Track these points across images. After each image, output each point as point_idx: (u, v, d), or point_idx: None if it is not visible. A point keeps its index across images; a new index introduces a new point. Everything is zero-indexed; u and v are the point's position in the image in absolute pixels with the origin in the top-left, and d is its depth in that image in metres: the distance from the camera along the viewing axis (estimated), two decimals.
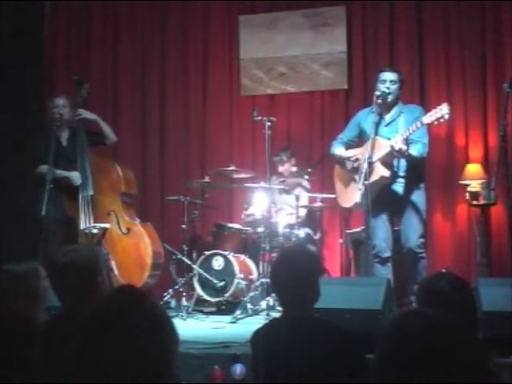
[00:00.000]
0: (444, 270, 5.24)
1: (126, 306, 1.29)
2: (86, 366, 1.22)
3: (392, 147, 4.69)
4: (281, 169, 6.38)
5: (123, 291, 1.36)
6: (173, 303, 5.72)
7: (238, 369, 3.64)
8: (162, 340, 1.27)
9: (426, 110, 5.03)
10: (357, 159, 5.00)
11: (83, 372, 1.21)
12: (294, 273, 2.49)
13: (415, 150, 4.83)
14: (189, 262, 5.75)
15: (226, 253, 5.76)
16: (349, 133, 5.26)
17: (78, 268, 2.55)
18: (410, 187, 4.93)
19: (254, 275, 5.80)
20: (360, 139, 5.20)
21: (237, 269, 5.65)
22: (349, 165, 5.11)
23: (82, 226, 5.36)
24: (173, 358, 1.29)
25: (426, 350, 1.10)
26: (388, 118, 5.00)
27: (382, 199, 4.84)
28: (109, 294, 1.36)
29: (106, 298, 1.33)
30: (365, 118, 5.12)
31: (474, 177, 6.16)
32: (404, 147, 4.69)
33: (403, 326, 1.17)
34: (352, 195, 4.97)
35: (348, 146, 5.23)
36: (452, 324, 1.16)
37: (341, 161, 5.21)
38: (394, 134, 4.83)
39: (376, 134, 4.84)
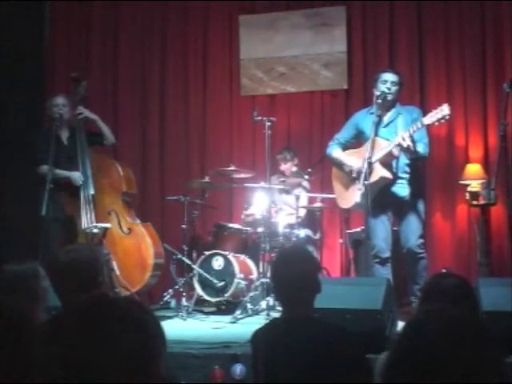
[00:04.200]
0: (444, 270, 5.27)
1: (108, 307, 1.28)
2: (71, 366, 1.22)
3: (400, 144, 4.68)
4: (283, 167, 6.38)
5: (102, 298, 1.36)
6: (173, 303, 5.71)
7: (238, 369, 3.64)
8: (147, 340, 1.26)
9: (426, 109, 5.04)
10: (352, 171, 5.00)
11: (68, 372, 1.21)
12: (293, 273, 2.49)
13: (420, 148, 4.83)
14: (189, 262, 5.75)
15: (226, 253, 5.76)
16: (346, 134, 5.24)
17: (78, 267, 2.55)
18: (409, 188, 4.93)
19: (254, 275, 5.80)
20: (357, 140, 5.20)
21: (237, 269, 5.65)
22: (346, 167, 5.10)
23: (83, 225, 5.35)
24: (159, 357, 1.29)
25: (443, 349, 1.09)
26: (386, 119, 5.00)
27: (382, 200, 4.84)
28: (92, 296, 1.36)
29: (88, 300, 1.33)
30: (363, 119, 5.11)
31: (474, 177, 6.16)
32: (411, 143, 4.69)
33: (420, 324, 1.16)
34: (351, 196, 4.97)
35: (345, 147, 5.22)
36: (471, 322, 1.15)
37: (338, 163, 5.20)
38: (393, 135, 4.83)
39: (375, 134, 4.84)
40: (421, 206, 5.00)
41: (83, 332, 1.24)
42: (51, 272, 2.66)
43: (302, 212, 6.23)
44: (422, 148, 4.85)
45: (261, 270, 5.64)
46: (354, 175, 4.99)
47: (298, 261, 2.56)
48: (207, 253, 5.82)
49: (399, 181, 4.93)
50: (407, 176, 4.94)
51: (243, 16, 7.09)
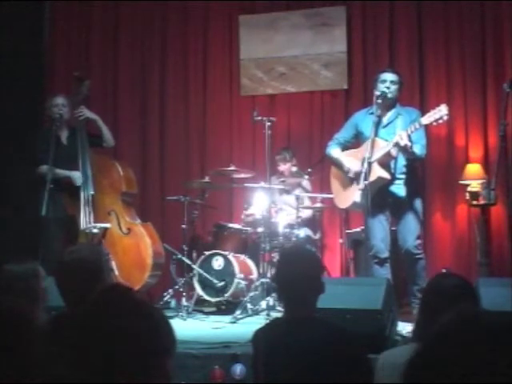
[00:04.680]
0: (444, 270, 5.26)
1: (118, 305, 1.28)
2: (80, 364, 1.22)
3: (397, 143, 4.68)
4: (282, 167, 6.37)
5: (116, 290, 1.36)
6: (173, 303, 5.71)
7: (238, 369, 3.64)
8: (157, 339, 1.26)
9: (426, 110, 5.04)
10: (350, 172, 5.00)
11: (76, 371, 1.21)
12: (296, 273, 2.49)
13: (417, 149, 4.84)
14: (189, 262, 5.75)
15: (226, 253, 5.76)
16: (345, 134, 5.24)
17: (82, 267, 2.55)
18: (406, 188, 4.93)
19: (254, 275, 5.80)
20: (356, 140, 5.19)
21: (237, 269, 5.65)
22: (345, 168, 5.10)
23: (83, 225, 5.35)
24: (168, 357, 1.28)
25: (474, 352, 1.07)
26: (386, 119, 5.00)
27: (380, 200, 4.84)
28: (101, 293, 1.36)
29: (97, 297, 1.33)
30: (362, 120, 5.11)
31: (474, 177, 6.16)
32: (409, 143, 4.69)
33: (453, 325, 1.15)
34: (349, 196, 4.97)
35: (344, 147, 5.22)
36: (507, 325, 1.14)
37: (337, 163, 5.20)
38: (392, 135, 4.83)
39: (375, 134, 4.84)
40: (419, 206, 5.00)
41: (92, 329, 1.23)
42: (56, 271, 2.66)
43: (306, 212, 6.23)
44: (418, 149, 4.84)
45: (261, 270, 5.64)
46: (351, 175, 5.00)
47: (302, 261, 2.56)
48: (207, 253, 5.82)
49: (397, 181, 4.93)
50: (405, 177, 4.94)
51: (243, 16, 7.09)
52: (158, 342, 1.26)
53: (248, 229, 6.02)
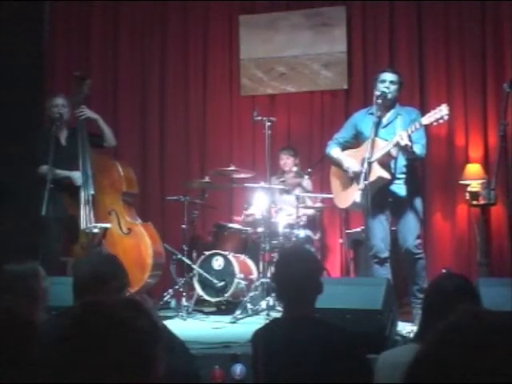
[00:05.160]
0: (444, 270, 5.27)
1: (98, 313, 1.27)
2: (80, 365, 1.21)
3: (398, 143, 4.68)
4: (284, 161, 6.35)
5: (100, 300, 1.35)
6: (173, 303, 5.72)
7: (238, 369, 3.64)
8: (139, 341, 1.25)
9: (426, 110, 5.04)
10: (349, 171, 5.01)
11: (77, 371, 1.20)
12: (295, 273, 2.49)
13: (417, 149, 4.84)
14: (189, 262, 5.76)
15: (226, 253, 5.76)
16: (345, 133, 5.24)
17: (96, 271, 2.54)
18: (406, 188, 4.93)
19: (254, 275, 5.81)
20: (356, 140, 5.19)
21: (237, 269, 5.65)
22: (344, 167, 5.10)
23: (83, 225, 5.34)
24: (155, 360, 1.27)
25: (480, 354, 1.07)
26: (385, 119, 5.00)
27: (380, 200, 4.84)
28: (84, 302, 1.34)
29: (79, 307, 1.31)
30: (362, 120, 5.11)
31: (474, 177, 6.17)
32: (409, 143, 4.68)
33: (459, 326, 1.14)
34: (349, 196, 4.97)
35: (344, 147, 5.21)
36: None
37: (337, 162, 5.20)
38: (392, 135, 4.82)
39: (375, 135, 4.84)
40: (419, 205, 5.00)
41: (71, 340, 1.22)
42: (76, 280, 2.63)
43: (306, 212, 6.23)
44: (418, 149, 4.84)
45: (261, 270, 5.64)
46: (350, 175, 5.00)
47: (300, 261, 2.56)
48: (207, 253, 5.82)
49: (397, 181, 4.93)
50: (405, 176, 4.94)
51: (243, 16, 7.09)
52: (140, 352, 1.25)
53: (248, 229, 6.03)
